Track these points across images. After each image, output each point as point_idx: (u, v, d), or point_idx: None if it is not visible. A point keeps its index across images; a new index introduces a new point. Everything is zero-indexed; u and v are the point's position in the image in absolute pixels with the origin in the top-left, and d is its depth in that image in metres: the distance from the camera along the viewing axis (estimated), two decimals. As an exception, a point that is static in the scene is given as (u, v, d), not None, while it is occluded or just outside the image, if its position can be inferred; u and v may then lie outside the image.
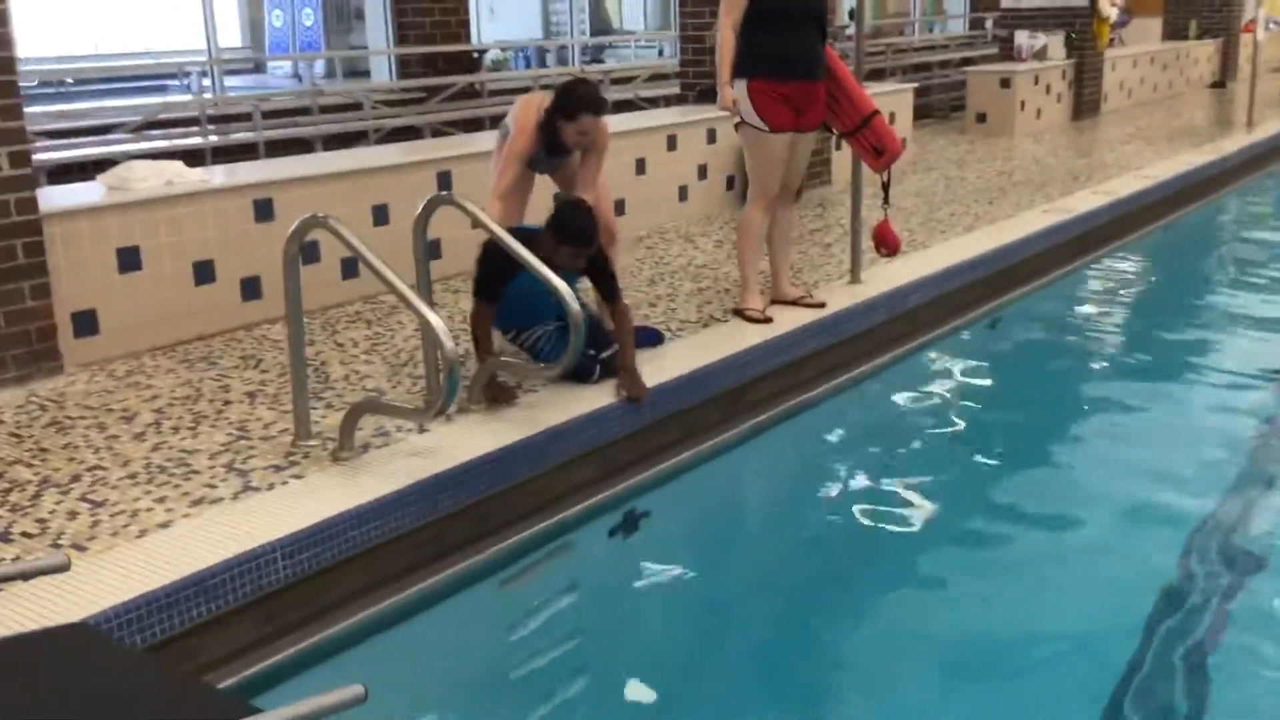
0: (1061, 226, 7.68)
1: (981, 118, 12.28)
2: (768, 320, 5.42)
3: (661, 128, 7.76)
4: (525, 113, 4.90)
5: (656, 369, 4.72)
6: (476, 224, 4.33)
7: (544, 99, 4.92)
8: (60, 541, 3.37)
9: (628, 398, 4.42)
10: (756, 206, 5.52)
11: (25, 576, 2.93)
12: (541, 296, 4.29)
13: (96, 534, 3.42)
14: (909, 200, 8.53)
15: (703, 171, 8.10)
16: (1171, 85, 16.24)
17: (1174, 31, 17.45)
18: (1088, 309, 7.28)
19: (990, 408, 5.56)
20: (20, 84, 4.72)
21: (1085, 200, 8.40)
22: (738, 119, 5.38)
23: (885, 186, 5.74)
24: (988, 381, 5.98)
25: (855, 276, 6.16)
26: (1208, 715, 3.16)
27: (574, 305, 3.98)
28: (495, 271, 4.43)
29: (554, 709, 3.28)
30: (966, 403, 5.63)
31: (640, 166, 7.54)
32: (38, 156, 7.88)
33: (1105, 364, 6.26)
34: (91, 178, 5.81)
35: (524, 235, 4.45)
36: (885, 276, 6.25)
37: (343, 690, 1.74)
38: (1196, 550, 4.03)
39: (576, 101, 4.80)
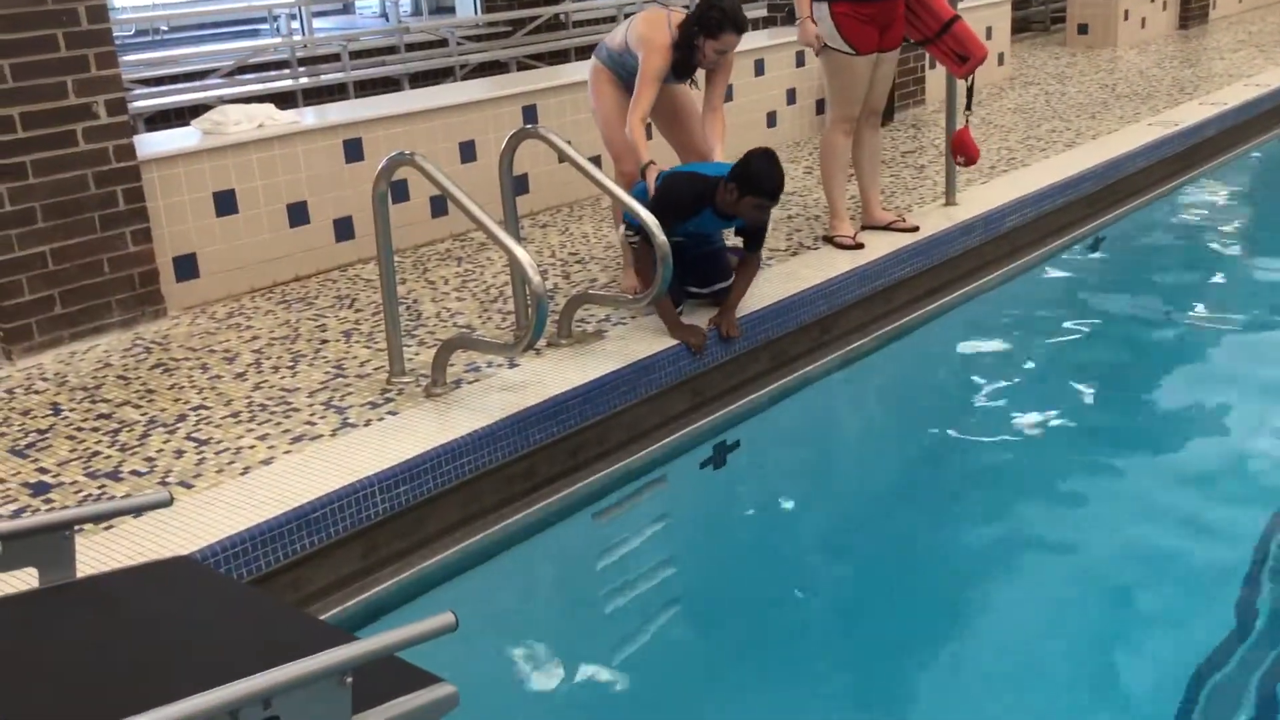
0: (1168, 140, 7.38)
1: (1083, 29, 11.82)
2: (859, 246, 5.33)
3: (748, 52, 7.61)
4: (656, 30, 4.65)
5: (747, 297, 4.67)
6: (563, 157, 4.30)
7: (670, 15, 4.69)
8: (168, 479, 3.49)
9: (719, 333, 4.41)
10: (837, 130, 5.41)
11: (131, 512, 3.05)
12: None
13: (202, 471, 3.53)
14: (1007, 117, 8.28)
15: (791, 96, 7.95)
16: (1288, -13, 15.42)
17: (1291, -71, 16.53)
18: (1196, 227, 7.00)
19: (1092, 333, 5.41)
20: (116, 32, 4.80)
21: (1193, 112, 8.05)
22: (822, 46, 5.25)
23: (969, 93, 5.55)
24: (1089, 305, 5.80)
25: (950, 198, 6.02)
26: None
27: (661, 237, 3.96)
28: (664, 214, 4.12)
29: (646, 640, 3.32)
30: (1067, 327, 5.47)
31: (727, 93, 7.40)
32: (136, 104, 8.07)
33: (1215, 285, 6.03)
34: (188, 123, 5.91)
35: (700, 180, 4.39)
36: (982, 197, 6.09)
37: (434, 619, 1.77)
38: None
39: (720, 18, 4.58)
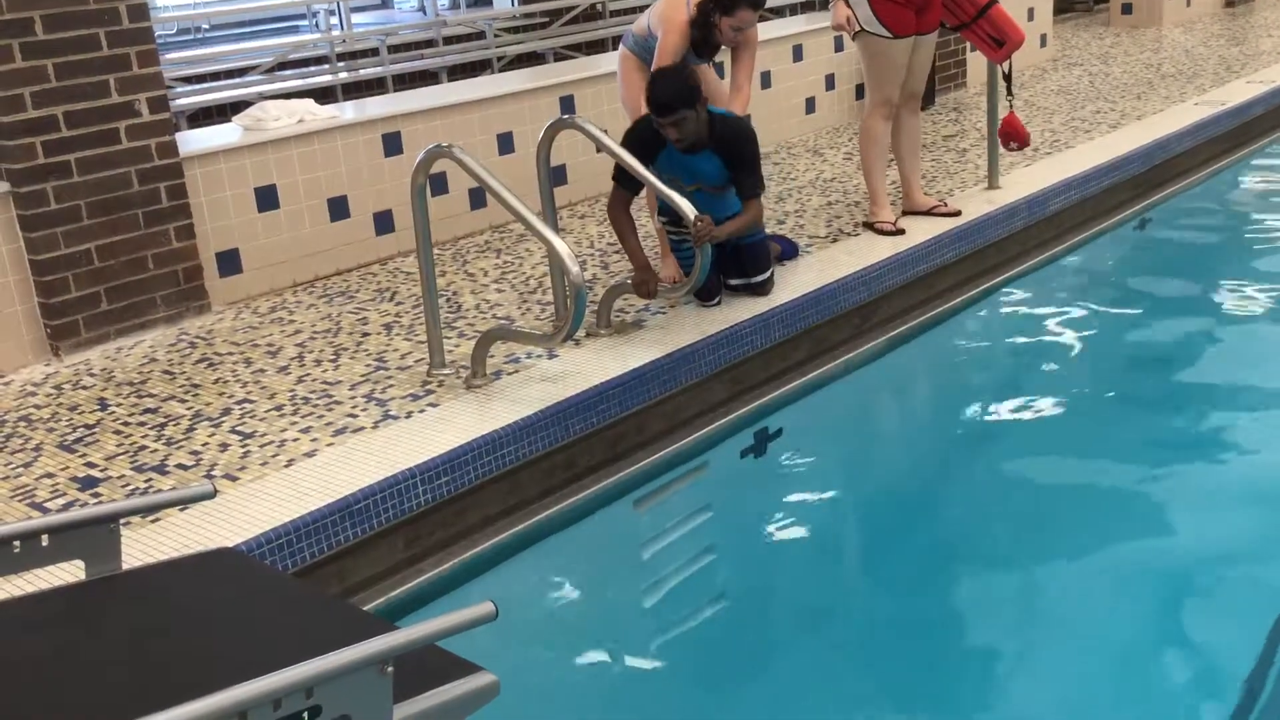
0: (1214, 120, 7.26)
1: (1127, 8, 11.65)
2: (900, 232, 5.29)
3: (786, 38, 7.57)
4: (676, 9, 4.66)
5: (786, 285, 4.66)
6: (600, 148, 4.30)
7: None
8: (213, 472, 3.52)
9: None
10: (876, 115, 5.36)
11: (176, 505, 3.08)
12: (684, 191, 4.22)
13: (247, 464, 3.56)
14: (1050, 99, 8.18)
15: (830, 81, 7.89)
16: (1338, -39, 15.10)
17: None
18: (1244, 208, 6.88)
19: (1139, 316, 5.33)
20: (157, 31, 4.85)
21: (1240, 91, 7.91)
22: (856, 28, 5.21)
23: (1008, 78, 5.48)
24: (1136, 288, 5.72)
25: (993, 182, 5.95)
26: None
27: (692, 215, 3.96)
28: (631, 153, 4.20)
29: (686, 629, 3.31)
30: (1112, 311, 5.40)
31: (766, 79, 7.38)
32: (179, 102, 8.15)
33: (1264, 267, 5.92)
34: (229, 120, 5.97)
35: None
36: (1025, 180, 6.02)
37: (475, 608, 1.77)
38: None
39: None
